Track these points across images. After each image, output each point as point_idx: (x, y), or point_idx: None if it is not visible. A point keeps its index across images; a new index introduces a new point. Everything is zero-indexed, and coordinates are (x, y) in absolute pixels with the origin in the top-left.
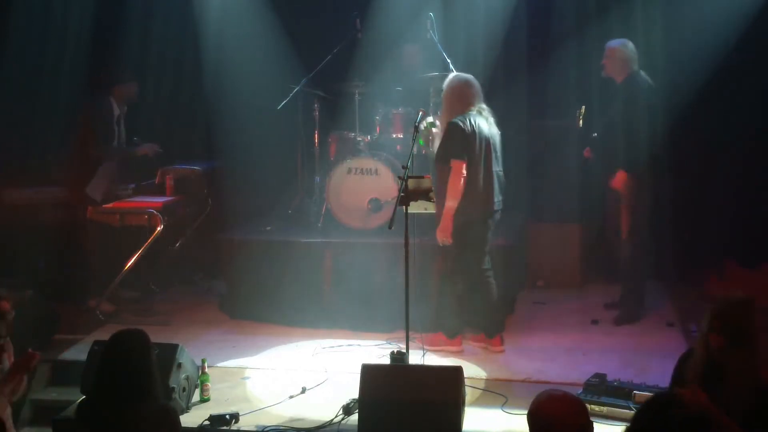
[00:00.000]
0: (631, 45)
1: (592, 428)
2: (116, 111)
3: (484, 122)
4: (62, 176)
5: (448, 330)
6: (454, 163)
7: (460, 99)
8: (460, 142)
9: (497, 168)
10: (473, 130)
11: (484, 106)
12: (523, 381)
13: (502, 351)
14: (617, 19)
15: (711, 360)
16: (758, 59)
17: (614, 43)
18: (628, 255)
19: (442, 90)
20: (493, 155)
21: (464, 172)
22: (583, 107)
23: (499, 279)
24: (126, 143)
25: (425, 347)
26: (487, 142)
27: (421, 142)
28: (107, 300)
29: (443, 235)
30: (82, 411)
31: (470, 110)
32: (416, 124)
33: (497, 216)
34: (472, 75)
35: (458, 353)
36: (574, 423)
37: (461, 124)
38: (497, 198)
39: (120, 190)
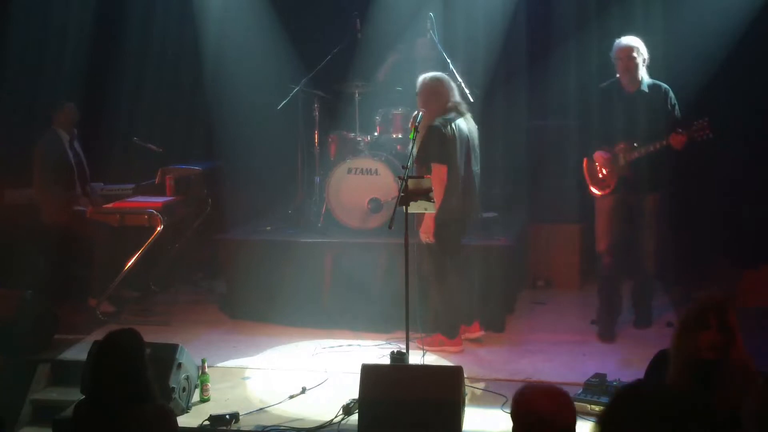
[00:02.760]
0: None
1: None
2: (65, 138)
3: (464, 123)
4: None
5: (446, 330)
6: (435, 166)
7: (437, 96)
8: (440, 146)
9: (476, 167)
10: (454, 135)
11: (459, 100)
12: (523, 381)
13: (480, 334)
14: (617, 19)
15: (701, 360)
16: (758, 59)
17: (636, 41)
18: (653, 271)
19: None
20: (473, 155)
21: (444, 176)
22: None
23: (498, 277)
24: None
25: (425, 348)
26: (467, 143)
27: (412, 136)
28: (107, 300)
29: (426, 235)
30: (78, 413)
31: (448, 109)
32: (416, 123)
33: (475, 215)
34: (472, 74)
35: (459, 353)
36: (565, 423)
37: (442, 128)
38: (476, 198)
39: (114, 190)
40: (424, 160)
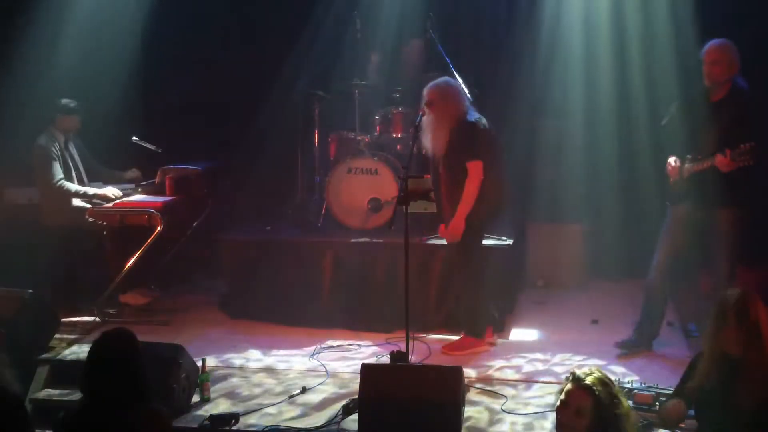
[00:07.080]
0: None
1: None
2: (60, 139)
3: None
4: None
5: (480, 330)
6: (472, 164)
7: (462, 97)
8: (478, 142)
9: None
10: (489, 130)
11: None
12: (523, 381)
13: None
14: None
15: (727, 357)
16: (760, 59)
17: (723, 42)
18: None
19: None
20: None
21: (481, 173)
22: None
23: (498, 277)
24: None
25: (451, 353)
26: (499, 142)
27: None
28: (136, 292)
29: (453, 236)
30: (71, 413)
31: (468, 108)
32: (416, 123)
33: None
34: (472, 74)
35: (486, 351)
36: None
37: (479, 124)
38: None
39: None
40: (458, 159)
